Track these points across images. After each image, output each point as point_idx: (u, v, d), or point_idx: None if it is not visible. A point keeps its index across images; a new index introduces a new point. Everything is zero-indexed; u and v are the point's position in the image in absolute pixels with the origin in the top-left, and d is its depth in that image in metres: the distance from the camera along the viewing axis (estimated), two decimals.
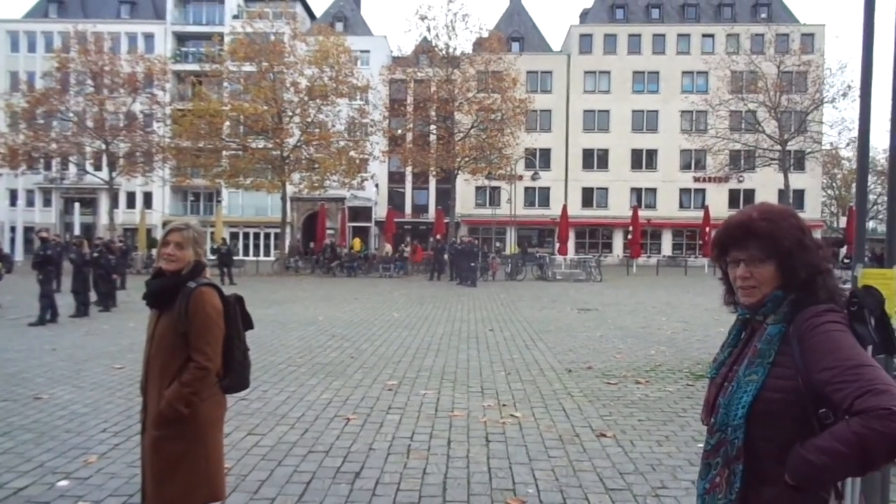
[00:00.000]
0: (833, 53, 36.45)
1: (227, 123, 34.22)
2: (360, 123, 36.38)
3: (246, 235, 50.52)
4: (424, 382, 7.88)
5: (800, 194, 47.09)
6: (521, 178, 43.52)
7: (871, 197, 56.21)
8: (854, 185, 56.17)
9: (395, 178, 50.64)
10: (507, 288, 24.61)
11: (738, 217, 1.82)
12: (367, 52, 48.39)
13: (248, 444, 5.43)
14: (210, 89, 35.50)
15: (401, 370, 8.63)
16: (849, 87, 35.53)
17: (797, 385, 1.59)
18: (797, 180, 42.26)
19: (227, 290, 3.16)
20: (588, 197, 51.17)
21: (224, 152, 34.83)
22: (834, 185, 64.31)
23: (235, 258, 31.37)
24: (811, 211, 48.78)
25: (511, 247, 45.48)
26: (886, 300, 1.71)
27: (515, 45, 50.29)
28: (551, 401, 7.03)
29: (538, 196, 50.42)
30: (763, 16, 51.15)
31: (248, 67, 33.69)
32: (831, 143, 44.15)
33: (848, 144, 39.88)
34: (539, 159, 47.97)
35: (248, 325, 3.25)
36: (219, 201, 46.02)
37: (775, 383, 1.64)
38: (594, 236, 51.27)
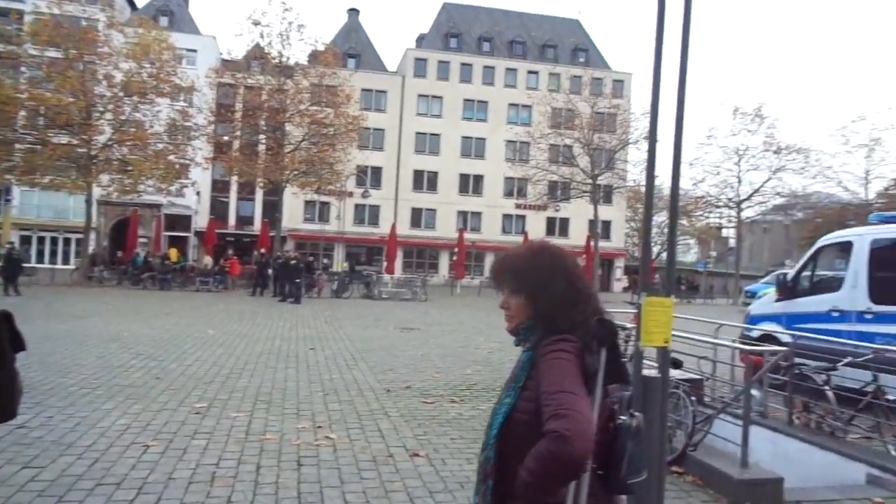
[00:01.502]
0: (638, 100, 40.71)
1: (23, 113, 30.59)
2: (181, 126, 34.14)
3: (41, 240, 45.23)
4: (237, 405, 7.48)
5: (607, 225, 51.46)
6: (351, 194, 43.45)
7: (666, 230, 62.91)
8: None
9: (219, 186, 48.20)
10: (332, 305, 24.28)
11: (504, 253, 2.00)
12: (194, 51, 45.79)
13: (21, 479, 4.78)
14: (3, 73, 31.52)
15: (211, 391, 8.12)
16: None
17: (538, 407, 1.68)
18: (605, 212, 46.02)
19: (7, 303, 2.74)
20: (417, 217, 52.15)
21: (17, 145, 31.04)
22: (636, 218, 71.24)
23: (26, 265, 27.98)
24: (616, 241, 53.55)
25: (338, 264, 45.05)
26: (642, 330, 1.86)
27: (351, 62, 50.26)
28: (368, 421, 6.98)
29: (368, 214, 50.54)
30: (581, 60, 55.72)
31: (52, 53, 30.37)
32: (634, 181, 48.94)
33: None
34: (370, 177, 48.21)
35: (19, 345, 2.85)
36: (8, 200, 40.85)
37: (523, 405, 1.76)
38: (421, 256, 52.26)
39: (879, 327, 7.82)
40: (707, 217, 50.31)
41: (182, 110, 34.16)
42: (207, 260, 34.07)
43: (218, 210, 47.34)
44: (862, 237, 8.52)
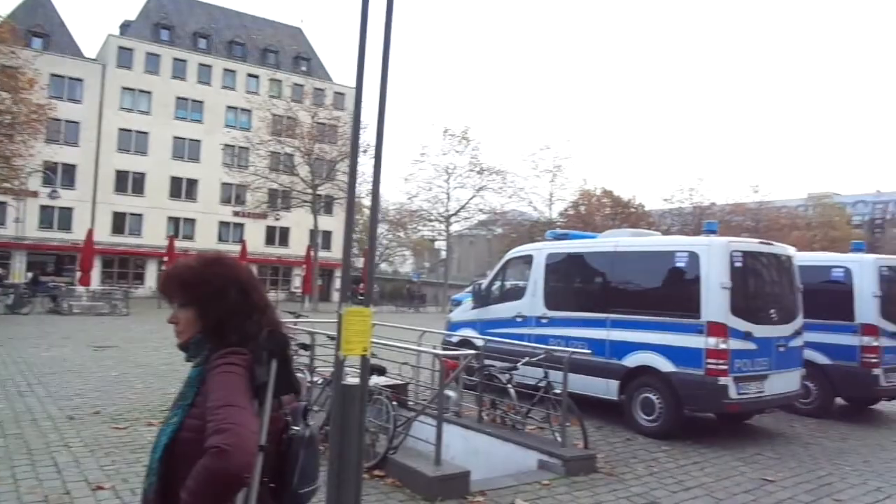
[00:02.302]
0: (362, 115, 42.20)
1: None
2: None
3: None
4: None
5: (328, 235, 52.01)
6: (35, 194, 37.69)
7: (385, 242, 65.68)
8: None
9: None
10: (7, 323, 20.71)
11: (173, 265, 1.93)
12: None
13: None
14: None
15: None
16: (368, 145, 41.07)
17: (205, 424, 1.63)
18: (326, 223, 46.48)
19: None
20: (120, 222, 47.18)
21: None
22: (356, 229, 73.17)
23: None
24: (337, 251, 54.28)
25: (16, 274, 38.65)
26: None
27: (37, 42, 43.77)
28: (42, 456, 6.06)
29: (58, 217, 44.28)
30: (304, 69, 55.67)
31: None
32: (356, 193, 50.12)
33: (367, 195, 45.89)
34: (61, 176, 42.34)
35: None
36: None
37: (192, 423, 1.69)
38: (125, 265, 47.36)
39: (552, 330, 9.02)
40: (420, 230, 53.64)
41: None
42: None
43: None
44: (540, 251, 9.77)
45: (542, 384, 7.06)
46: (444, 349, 8.92)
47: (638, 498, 5.75)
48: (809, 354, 9.04)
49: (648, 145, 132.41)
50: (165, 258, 35.33)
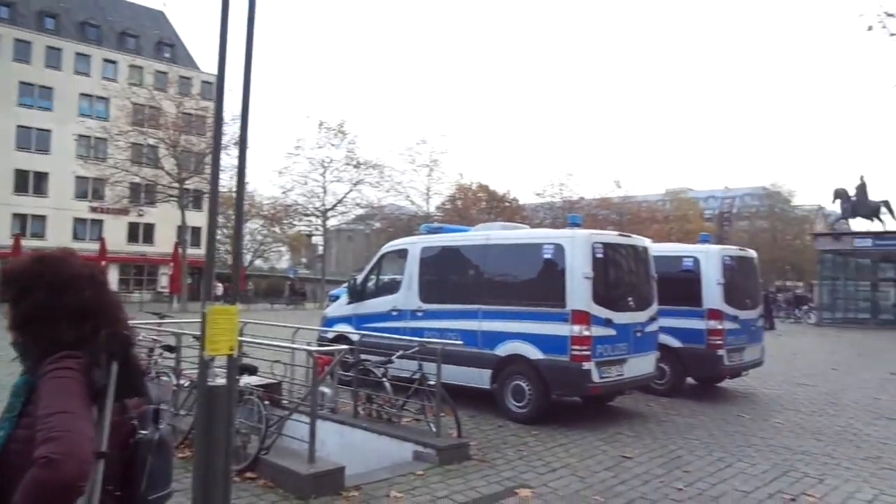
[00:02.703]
0: (230, 105, 40.33)
1: None
2: None
3: None
4: None
5: (198, 231, 49.62)
6: None
7: (259, 237, 63.65)
8: (244, 225, 62.63)
9: None
10: None
11: (4, 263, 1.85)
12: None
13: None
14: None
15: None
16: (237, 136, 39.61)
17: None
18: (195, 218, 44.26)
19: None
20: None
21: None
22: (228, 224, 70.23)
23: None
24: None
25: None
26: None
27: None
28: None
29: None
30: (167, 55, 52.70)
31: None
32: (225, 186, 48.11)
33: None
34: None
35: None
36: None
37: (22, 434, 1.59)
38: None
39: (427, 323, 9.14)
40: (296, 225, 52.45)
41: None
42: None
43: None
44: (414, 245, 9.87)
45: (417, 376, 7.15)
46: (320, 346, 8.82)
47: (508, 482, 5.98)
48: (664, 338, 9.74)
49: (522, 141, 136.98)
50: (9, 259, 32.28)
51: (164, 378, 7.29)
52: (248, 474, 5.71)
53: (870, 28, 11.34)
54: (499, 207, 54.10)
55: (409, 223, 44.32)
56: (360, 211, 47.93)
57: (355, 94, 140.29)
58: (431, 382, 6.88)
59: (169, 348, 7.57)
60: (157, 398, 6.63)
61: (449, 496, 5.54)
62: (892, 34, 11.26)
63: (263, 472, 5.69)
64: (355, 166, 42.72)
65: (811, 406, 10.11)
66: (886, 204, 34.87)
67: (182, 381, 7.15)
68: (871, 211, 34.92)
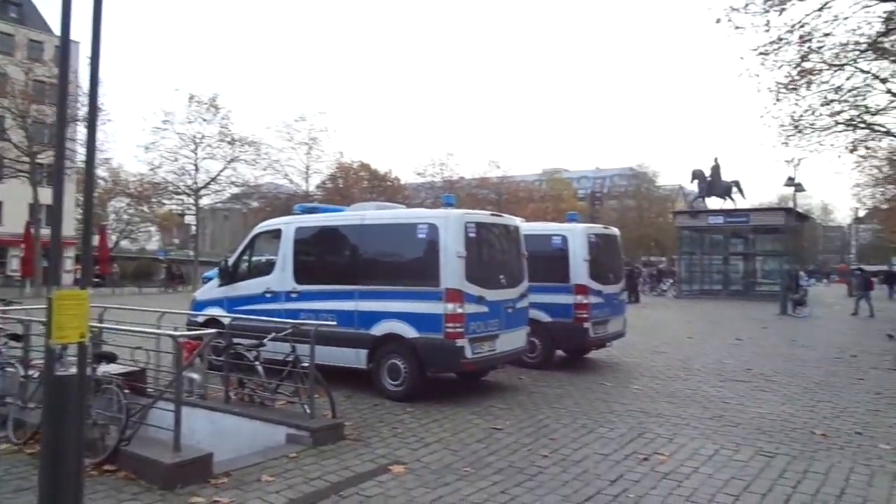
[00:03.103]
0: (86, 73, 37.14)
1: None
2: None
3: None
4: None
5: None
6: None
7: (126, 217, 59.78)
8: (108, 204, 58.51)
9: None
10: None
11: None
12: None
13: None
14: None
15: None
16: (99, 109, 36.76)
17: None
18: (50, 196, 40.69)
19: None
20: None
21: None
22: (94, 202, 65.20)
23: None
24: (66, 229, 48.07)
25: None
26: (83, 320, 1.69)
27: None
28: None
29: None
30: (14, 15, 47.86)
31: None
32: (84, 162, 44.66)
33: (101, 165, 41.21)
34: None
35: None
36: None
37: None
38: None
39: (303, 304, 9.00)
40: (166, 203, 49.69)
41: None
42: None
43: None
44: (288, 225, 9.65)
45: (291, 358, 7.04)
46: (189, 331, 8.47)
47: (382, 459, 6.05)
48: (534, 314, 10.16)
49: (403, 120, 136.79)
50: None
51: (11, 369, 6.75)
52: (107, 467, 5.43)
53: (718, 21, 12.25)
54: (381, 187, 53.90)
55: (287, 202, 43.13)
56: (236, 190, 46.07)
57: (229, 67, 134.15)
58: (305, 364, 6.80)
59: (15, 337, 7.01)
60: (2, 390, 6.16)
61: (322, 476, 5.53)
62: (737, 27, 12.21)
63: (124, 463, 5.42)
64: (229, 143, 40.96)
65: (667, 372, 10.93)
66: (737, 184, 38.03)
67: (31, 372, 6.65)
68: (724, 190, 37.98)
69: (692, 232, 38.25)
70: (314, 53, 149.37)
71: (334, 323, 7.80)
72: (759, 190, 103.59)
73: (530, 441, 6.71)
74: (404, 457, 6.12)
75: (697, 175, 38.90)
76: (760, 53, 12.39)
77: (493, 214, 9.33)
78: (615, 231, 12.25)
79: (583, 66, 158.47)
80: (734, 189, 37.83)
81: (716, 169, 38.49)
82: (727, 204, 37.70)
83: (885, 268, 46.30)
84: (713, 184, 38.34)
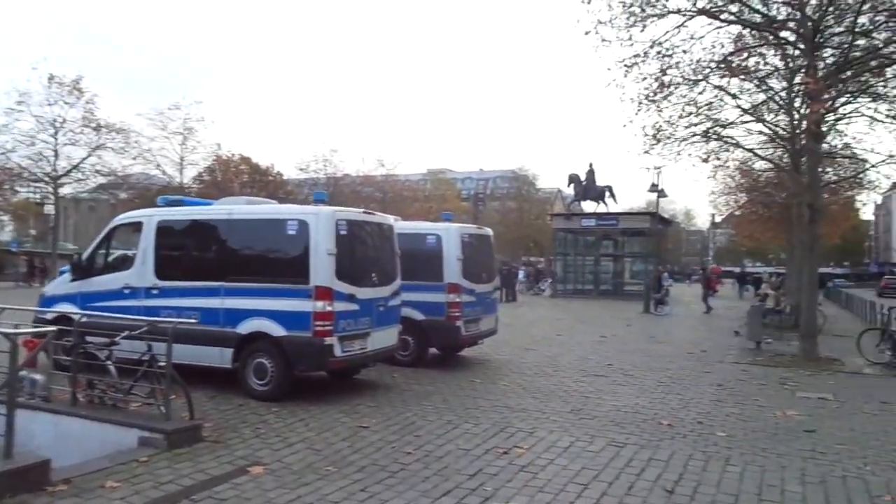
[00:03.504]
0: None
1: None
2: None
3: None
4: None
5: None
6: None
7: None
8: None
9: None
10: None
11: None
12: None
13: None
14: None
15: None
16: None
17: None
18: None
19: None
20: None
21: None
22: None
23: None
24: None
25: None
26: None
27: None
28: None
29: None
30: None
31: None
32: None
33: None
34: None
35: None
36: None
37: None
38: None
39: (164, 301, 8.56)
40: (20, 191, 45.62)
41: None
42: None
43: None
44: (150, 218, 9.13)
45: (146, 358, 6.69)
46: (36, 327, 7.83)
47: (241, 460, 5.89)
48: (408, 312, 10.24)
49: (286, 114, 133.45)
50: None
51: None
52: None
53: (587, 33, 12.87)
54: (262, 181, 52.26)
55: (160, 194, 40.81)
56: (103, 179, 43.02)
57: (93, 49, 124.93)
58: (161, 364, 6.49)
59: None
60: None
61: (174, 480, 5.30)
62: (604, 40, 12.88)
63: None
64: (94, 129, 38.07)
65: (534, 368, 11.37)
66: (610, 189, 40.08)
67: None
68: (598, 194, 39.94)
69: (567, 234, 39.96)
70: (192, 41, 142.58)
71: (194, 320, 7.48)
72: (630, 195, 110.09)
73: (395, 438, 6.76)
74: (265, 457, 5.99)
75: (573, 179, 40.65)
76: (625, 66, 13.11)
77: (365, 212, 9.30)
78: (488, 231, 12.57)
79: (470, 68, 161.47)
80: (607, 193, 39.83)
81: (590, 174, 40.36)
82: (600, 208, 39.67)
83: (737, 269, 50.61)
84: (588, 188, 40.19)
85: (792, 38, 13.29)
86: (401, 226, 10.39)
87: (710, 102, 14.52)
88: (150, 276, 8.80)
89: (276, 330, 7.99)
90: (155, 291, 8.73)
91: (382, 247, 9.24)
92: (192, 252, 9.05)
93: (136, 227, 9.21)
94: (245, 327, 8.16)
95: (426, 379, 9.99)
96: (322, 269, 7.87)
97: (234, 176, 52.17)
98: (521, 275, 39.27)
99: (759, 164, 21.83)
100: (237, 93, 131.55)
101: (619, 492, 5.41)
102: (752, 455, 6.53)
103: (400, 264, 9.48)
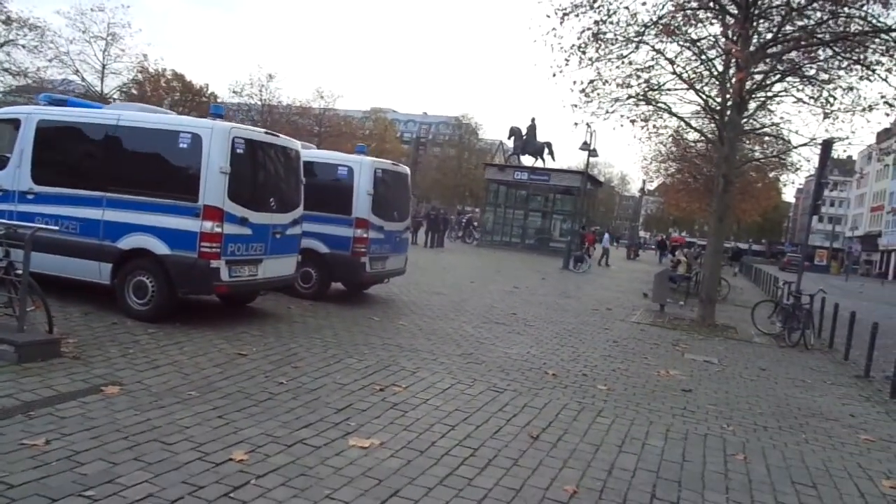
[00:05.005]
0: None
1: None
2: None
3: None
4: None
5: None
6: None
7: None
8: None
9: None
10: None
11: None
12: None
13: None
14: None
15: None
16: None
17: None
18: None
19: None
20: None
21: None
22: None
23: None
24: None
25: None
26: None
27: None
28: None
29: None
30: None
31: None
32: None
33: None
34: None
35: None
36: None
37: None
38: None
39: (40, 208, 7.92)
40: None
41: None
42: None
43: None
44: (29, 116, 8.35)
45: (4, 265, 6.18)
46: None
47: (97, 379, 5.54)
48: (312, 244, 9.94)
49: (224, 33, 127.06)
50: None
51: None
52: None
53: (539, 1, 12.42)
54: (195, 101, 49.95)
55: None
56: (14, 81, 39.99)
57: None
58: (19, 272, 6.00)
59: None
60: None
61: (14, 395, 4.92)
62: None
63: None
64: (4, 22, 35.22)
65: (438, 312, 11.29)
66: (549, 145, 40.16)
67: None
68: (537, 149, 39.99)
69: (499, 185, 39.98)
70: None
71: (56, 228, 6.95)
72: (572, 155, 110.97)
73: (271, 368, 6.53)
74: (125, 378, 5.66)
75: (514, 132, 40.51)
76: (563, 12, 12.77)
77: (268, 133, 8.78)
78: (405, 169, 12.23)
79: (424, 9, 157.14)
80: (546, 150, 39.92)
81: (531, 128, 40.28)
82: (538, 163, 39.76)
83: (660, 237, 52.15)
84: (528, 142, 40.16)
85: (731, 7, 13.24)
86: (311, 154, 9.97)
87: (648, 66, 14.41)
88: (26, 180, 8.11)
89: (160, 248, 7.53)
90: (30, 196, 8.06)
91: (285, 172, 8.81)
92: (75, 157, 8.36)
93: (14, 124, 8.43)
94: (126, 242, 7.66)
95: (322, 312, 9.76)
96: (213, 188, 7.42)
97: (164, 93, 49.66)
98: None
99: (692, 136, 22.11)
100: (175, 4, 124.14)
101: (485, 435, 5.37)
102: (625, 409, 6.63)
103: (304, 193, 9.09)
